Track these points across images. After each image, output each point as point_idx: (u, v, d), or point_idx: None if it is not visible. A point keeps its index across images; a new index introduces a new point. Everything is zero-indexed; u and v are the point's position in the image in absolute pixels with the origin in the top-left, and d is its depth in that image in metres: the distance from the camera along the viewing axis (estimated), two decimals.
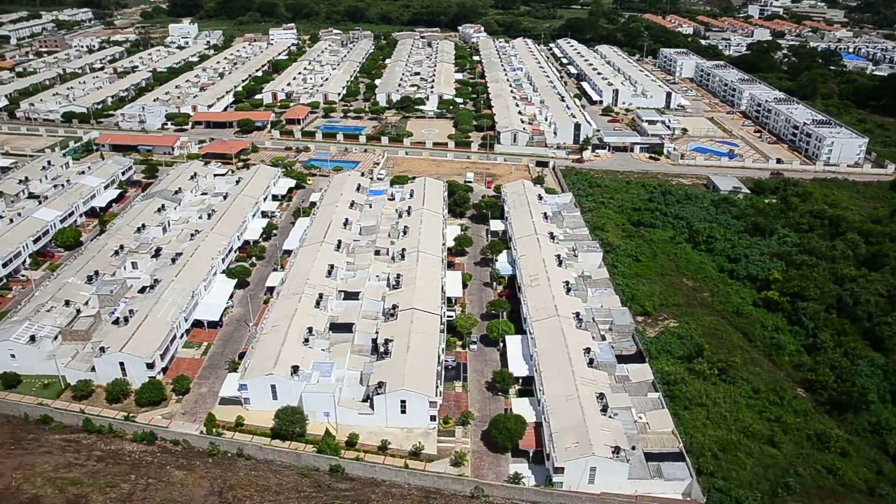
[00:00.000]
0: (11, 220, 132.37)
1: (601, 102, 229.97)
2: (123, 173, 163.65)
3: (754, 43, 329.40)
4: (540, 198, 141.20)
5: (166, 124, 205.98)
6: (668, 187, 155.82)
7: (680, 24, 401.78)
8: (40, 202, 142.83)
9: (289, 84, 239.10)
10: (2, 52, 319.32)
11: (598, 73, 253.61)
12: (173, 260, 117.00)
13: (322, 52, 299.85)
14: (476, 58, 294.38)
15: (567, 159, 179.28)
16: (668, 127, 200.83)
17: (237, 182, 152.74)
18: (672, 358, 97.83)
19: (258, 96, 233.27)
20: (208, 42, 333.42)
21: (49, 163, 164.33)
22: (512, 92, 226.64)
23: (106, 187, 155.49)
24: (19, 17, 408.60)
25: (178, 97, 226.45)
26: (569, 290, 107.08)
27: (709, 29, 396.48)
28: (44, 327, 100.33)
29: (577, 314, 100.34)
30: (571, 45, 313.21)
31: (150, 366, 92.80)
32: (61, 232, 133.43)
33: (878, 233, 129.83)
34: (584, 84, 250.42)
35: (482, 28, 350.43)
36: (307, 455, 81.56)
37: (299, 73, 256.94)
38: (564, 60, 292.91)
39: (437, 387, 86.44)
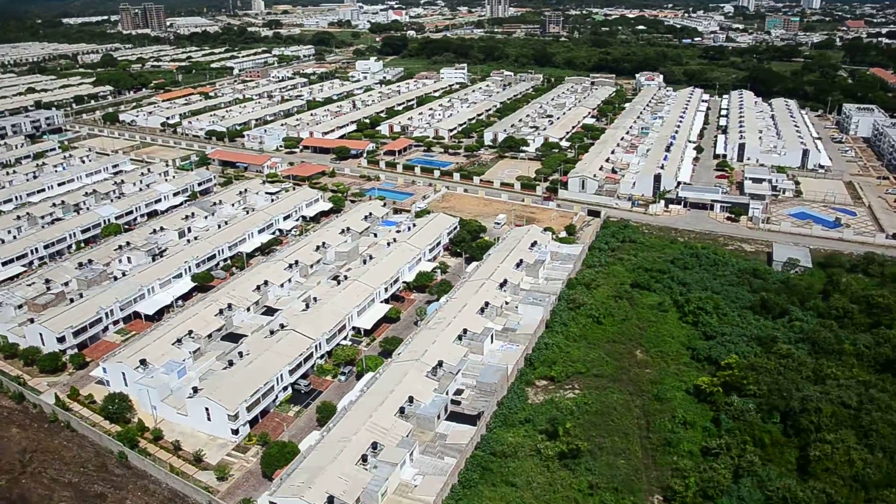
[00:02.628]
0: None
1: (724, 156, 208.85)
2: (200, 184, 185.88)
3: None
4: (534, 245, 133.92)
5: (281, 146, 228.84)
6: (702, 251, 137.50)
7: None
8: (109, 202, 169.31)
9: (410, 118, 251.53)
10: (220, 80, 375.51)
11: (741, 126, 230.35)
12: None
13: (474, 90, 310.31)
14: (626, 105, 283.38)
15: (631, 211, 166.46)
16: (774, 187, 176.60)
17: (272, 200, 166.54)
18: (532, 429, 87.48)
19: (379, 127, 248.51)
20: (384, 77, 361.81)
21: (149, 169, 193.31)
22: (622, 139, 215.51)
23: (175, 194, 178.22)
24: (253, 53, 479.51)
25: (309, 123, 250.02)
26: (460, 337, 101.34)
27: None
28: (14, 297, 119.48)
29: (440, 362, 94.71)
30: (742, 97, 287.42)
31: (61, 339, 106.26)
32: (108, 226, 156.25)
33: None
34: (721, 136, 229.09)
35: (654, 76, 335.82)
36: (108, 438, 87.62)
37: (431, 108, 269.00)
38: (724, 112, 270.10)
39: (245, 402, 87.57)
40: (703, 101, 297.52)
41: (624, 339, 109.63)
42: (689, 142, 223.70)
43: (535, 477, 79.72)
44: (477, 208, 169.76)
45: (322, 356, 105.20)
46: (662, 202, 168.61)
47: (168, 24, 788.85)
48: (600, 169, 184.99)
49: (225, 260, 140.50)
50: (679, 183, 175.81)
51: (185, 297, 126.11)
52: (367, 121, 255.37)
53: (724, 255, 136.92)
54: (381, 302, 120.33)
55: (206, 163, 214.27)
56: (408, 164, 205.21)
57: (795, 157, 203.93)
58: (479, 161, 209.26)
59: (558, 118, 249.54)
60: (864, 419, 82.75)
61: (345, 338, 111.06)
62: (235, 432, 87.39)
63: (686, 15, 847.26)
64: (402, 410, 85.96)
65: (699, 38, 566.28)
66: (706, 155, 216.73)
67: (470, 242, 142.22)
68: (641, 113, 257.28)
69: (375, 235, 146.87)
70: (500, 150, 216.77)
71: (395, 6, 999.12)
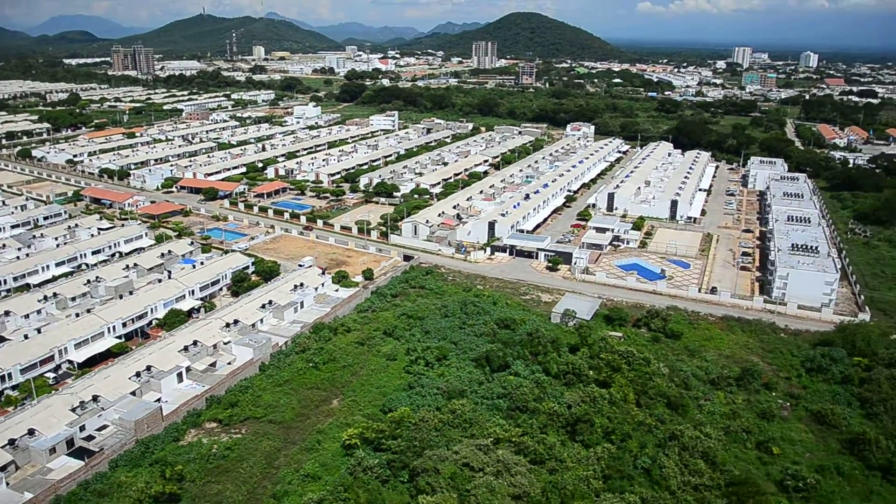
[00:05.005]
0: None
1: (594, 206, 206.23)
2: (46, 218, 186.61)
3: (879, 156, 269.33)
4: (299, 286, 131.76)
5: (159, 187, 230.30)
6: (477, 300, 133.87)
7: (851, 134, 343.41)
8: None
9: (299, 162, 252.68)
10: (162, 122, 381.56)
11: (627, 177, 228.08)
12: None
13: (388, 137, 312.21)
14: (534, 153, 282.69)
15: (453, 258, 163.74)
16: (616, 237, 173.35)
17: (92, 235, 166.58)
18: (155, 471, 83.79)
19: (267, 170, 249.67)
20: (316, 122, 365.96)
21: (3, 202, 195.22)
22: (493, 186, 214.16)
23: (14, 227, 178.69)
24: (213, 96, 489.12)
25: (202, 164, 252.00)
26: (139, 373, 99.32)
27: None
28: None
29: (95, 397, 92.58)
30: (656, 148, 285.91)
31: None
32: None
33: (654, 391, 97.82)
34: (602, 186, 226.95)
35: (580, 126, 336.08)
36: None
37: (329, 153, 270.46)
38: (640, 162, 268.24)
39: None
40: (620, 151, 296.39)
41: (330, 386, 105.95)
42: (570, 191, 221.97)
43: None
44: (298, 250, 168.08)
45: (15, 387, 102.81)
46: (488, 250, 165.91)
47: (160, 66, 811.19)
48: (439, 215, 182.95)
49: (8, 291, 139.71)
50: (522, 231, 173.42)
51: None
52: (261, 163, 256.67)
53: (499, 306, 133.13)
54: (115, 337, 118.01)
55: (80, 199, 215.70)
56: (273, 206, 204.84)
57: (664, 209, 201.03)
58: (342, 206, 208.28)
59: (448, 164, 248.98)
60: (479, 481, 77.86)
61: (55, 370, 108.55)
62: None
63: (675, 70, 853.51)
64: (11, 442, 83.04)
65: (669, 92, 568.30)
66: (580, 204, 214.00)
67: (253, 283, 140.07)
68: (538, 161, 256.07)
69: (169, 272, 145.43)
70: (366, 196, 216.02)
71: (392, 55, 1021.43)
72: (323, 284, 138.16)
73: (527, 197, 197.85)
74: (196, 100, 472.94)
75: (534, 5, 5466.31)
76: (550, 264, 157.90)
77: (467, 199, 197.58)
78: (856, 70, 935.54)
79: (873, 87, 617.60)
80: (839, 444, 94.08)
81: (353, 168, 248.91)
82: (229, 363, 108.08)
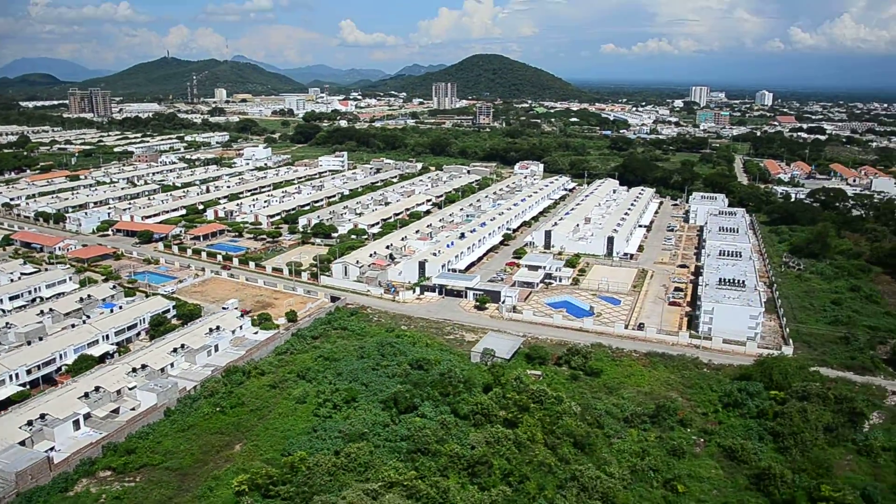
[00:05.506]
0: None
1: (532, 244, 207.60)
2: None
3: (819, 190, 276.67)
4: (214, 330, 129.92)
5: (95, 230, 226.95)
6: (397, 340, 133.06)
7: (795, 169, 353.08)
8: None
9: (239, 204, 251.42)
10: (110, 164, 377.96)
11: (567, 214, 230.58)
12: None
13: (334, 178, 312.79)
14: (480, 191, 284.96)
15: (381, 298, 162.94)
16: (548, 274, 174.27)
17: (12, 280, 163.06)
18: None
19: (207, 212, 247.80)
20: (265, 164, 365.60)
21: None
22: (430, 225, 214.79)
23: None
24: (166, 138, 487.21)
25: (141, 207, 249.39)
26: (31, 422, 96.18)
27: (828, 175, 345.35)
28: None
29: None
30: (604, 185, 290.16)
31: None
32: None
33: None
34: (542, 223, 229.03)
35: (528, 165, 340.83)
36: None
37: (271, 194, 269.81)
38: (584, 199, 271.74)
39: None
40: (566, 188, 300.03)
41: (235, 430, 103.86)
42: (509, 229, 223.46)
43: None
44: (226, 293, 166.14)
45: None
46: (417, 290, 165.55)
47: (118, 109, 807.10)
48: (371, 255, 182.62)
49: None
50: (454, 270, 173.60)
51: None
52: (202, 205, 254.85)
53: (418, 346, 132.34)
54: (18, 385, 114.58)
55: (10, 243, 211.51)
56: (207, 248, 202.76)
57: (601, 245, 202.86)
58: (277, 247, 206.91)
59: (390, 204, 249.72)
60: None
61: None
62: None
63: (633, 109, 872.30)
64: None
65: (624, 130, 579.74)
66: (518, 242, 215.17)
67: (171, 327, 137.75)
68: (481, 200, 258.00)
69: (88, 317, 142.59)
70: (303, 237, 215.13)
71: (354, 97, 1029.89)
72: (241, 327, 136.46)
73: (462, 236, 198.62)
74: (148, 142, 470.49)
75: (499, 48, 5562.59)
76: (478, 303, 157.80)
77: (402, 239, 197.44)
78: (808, 108, 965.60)
79: (822, 125, 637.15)
80: (747, 480, 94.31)
81: (295, 209, 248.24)
82: (133, 409, 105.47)
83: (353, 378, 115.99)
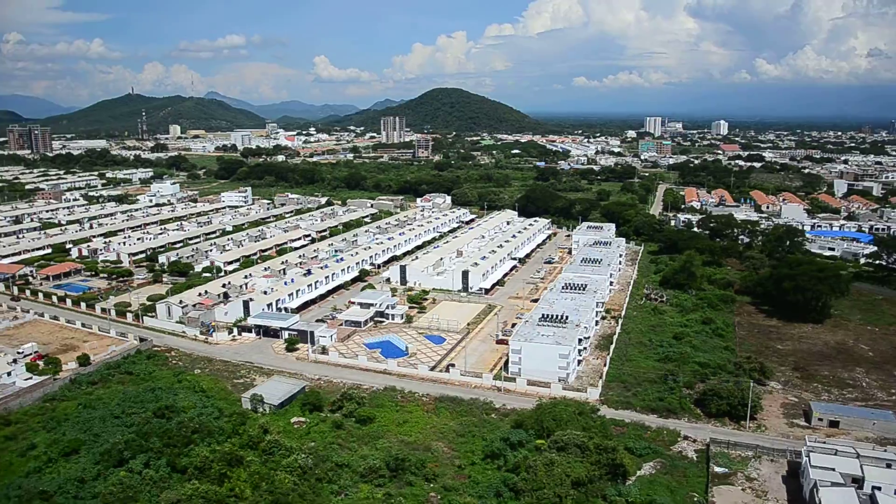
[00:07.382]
0: None
1: (388, 280, 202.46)
2: None
3: (706, 217, 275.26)
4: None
5: None
6: (157, 385, 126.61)
7: (713, 197, 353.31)
8: None
9: (106, 242, 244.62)
10: (12, 203, 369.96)
11: (436, 247, 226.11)
12: None
13: (226, 214, 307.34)
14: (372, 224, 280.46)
15: (196, 339, 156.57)
16: (381, 312, 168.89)
17: None
18: None
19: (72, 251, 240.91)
20: (169, 200, 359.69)
21: None
22: (285, 262, 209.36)
23: None
24: (87, 174, 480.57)
25: (4, 246, 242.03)
26: None
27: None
28: None
29: None
30: (499, 216, 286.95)
31: None
32: None
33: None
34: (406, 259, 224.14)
35: (430, 197, 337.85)
36: None
37: (148, 232, 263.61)
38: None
39: None
40: (461, 220, 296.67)
41: None
42: (373, 264, 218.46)
43: None
44: (39, 336, 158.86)
45: None
46: (235, 330, 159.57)
47: (61, 146, 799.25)
48: (200, 294, 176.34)
49: None
50: (285, 309, 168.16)
51: None
52: (71, 243, 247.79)
53: (186, 392, 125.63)
54: None
55: None
56: (50, 289, 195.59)
57: (457, 281, 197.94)
58: (124, 286, 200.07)
59: (265, 239, 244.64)
60: None
61: None
62: None
63: (585, 140, 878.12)
64: None
65: (561, 161, 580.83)
66: (378, 279, 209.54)
67: None
68: (359, 234, 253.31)
69: None
70: (154, 276, 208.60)
71: (307, 132, 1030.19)
72: (10, 374, 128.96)
73: (308, 272, 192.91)
74: (67, 179, 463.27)
75: (473, 83, 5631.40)
76: (288, 344, 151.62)
77: (245, 277, 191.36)
78: (763, 137, 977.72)
79: (763, 153, 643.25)
80: None
81: (164, 246, 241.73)
82: None
83: (86, 428, 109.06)
